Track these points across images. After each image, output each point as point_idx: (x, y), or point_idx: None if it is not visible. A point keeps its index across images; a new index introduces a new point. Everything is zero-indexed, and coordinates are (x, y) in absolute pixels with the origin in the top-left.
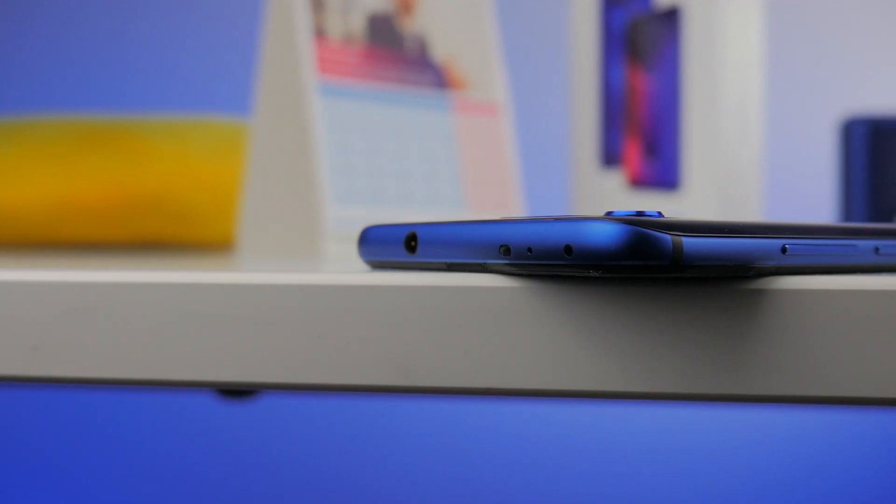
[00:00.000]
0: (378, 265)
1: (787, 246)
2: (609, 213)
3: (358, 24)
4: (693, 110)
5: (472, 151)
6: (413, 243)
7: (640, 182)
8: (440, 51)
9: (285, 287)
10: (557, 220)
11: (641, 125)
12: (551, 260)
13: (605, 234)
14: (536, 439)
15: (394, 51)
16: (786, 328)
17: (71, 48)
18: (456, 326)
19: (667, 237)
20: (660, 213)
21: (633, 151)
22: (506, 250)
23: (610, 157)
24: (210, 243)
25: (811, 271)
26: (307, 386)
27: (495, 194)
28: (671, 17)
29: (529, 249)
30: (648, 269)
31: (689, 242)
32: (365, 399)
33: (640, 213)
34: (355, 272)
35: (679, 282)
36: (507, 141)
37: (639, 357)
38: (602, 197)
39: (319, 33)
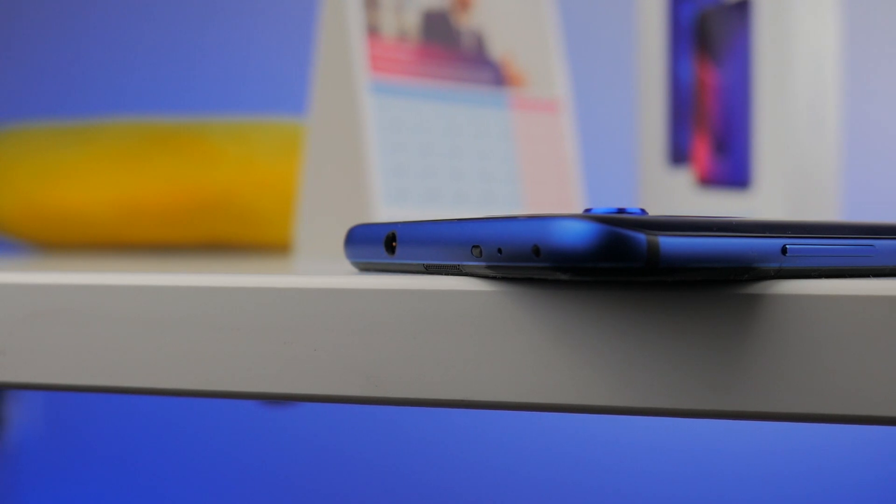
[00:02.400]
0: (363, 266)
1: (788, 246)
2: (587, 211)
3: (412, 21)
4: (765, 106)
5: (531, 150)
6: (393, 244)
7: (710, 181)
8: (498, 47)
9: (245, 290)
10: (528, 218)
11: (711, 122)
12: (520, 261)
13: (573, 234)
14: (512, 445)
15: (449, 48)
16: (787, 338)
17: (136, 52)
18: (424, 334)
19: (640, 236)
20: (643, 211)
21: (702, 149)
22: (478, 251)
23: (678, 154)
24: (275, 245)
25: (818, 275)
26: (267, 395)
27: (555, 194)
28: (742, 9)
29: (499, 250)
30: (622, 272)
31: (668, 242)
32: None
33: (620, 210)
34: (329, 274)
35: (669, 286)
36: (567, 139)
37: (622, 370)
38: (670, 196)
39: (373, 31)
